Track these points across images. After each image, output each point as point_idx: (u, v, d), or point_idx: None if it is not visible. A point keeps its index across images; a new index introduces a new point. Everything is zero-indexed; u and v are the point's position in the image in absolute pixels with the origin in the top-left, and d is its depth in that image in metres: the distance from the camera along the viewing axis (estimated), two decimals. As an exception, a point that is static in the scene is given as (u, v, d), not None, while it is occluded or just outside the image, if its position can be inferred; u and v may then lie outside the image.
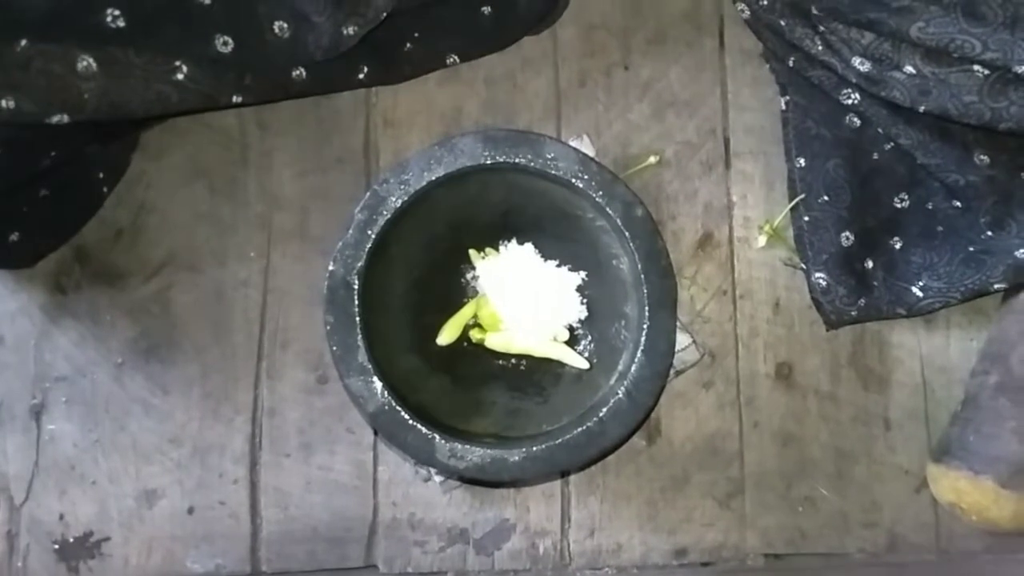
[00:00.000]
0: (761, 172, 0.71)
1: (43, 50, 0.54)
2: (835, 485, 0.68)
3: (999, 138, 0.63)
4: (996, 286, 0.64)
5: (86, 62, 0.56)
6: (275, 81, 0.65)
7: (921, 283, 0.66)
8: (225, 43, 0.60)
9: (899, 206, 0.68)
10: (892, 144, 0.67)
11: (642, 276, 0.55)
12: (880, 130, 0.67)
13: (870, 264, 0.67)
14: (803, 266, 0.68)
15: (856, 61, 0.62)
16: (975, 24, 0.56)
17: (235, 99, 0.64)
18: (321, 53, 0.63)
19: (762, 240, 0.70)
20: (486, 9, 0.69)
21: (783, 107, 0.70)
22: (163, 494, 0.68)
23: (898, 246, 0.68)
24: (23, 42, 0.53)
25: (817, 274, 0.67)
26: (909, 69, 0.60)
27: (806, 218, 0.68)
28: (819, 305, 0.68)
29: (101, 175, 0.70)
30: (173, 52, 0.59)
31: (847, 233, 0.67)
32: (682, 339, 0.65)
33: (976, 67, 0.58)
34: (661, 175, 0.71)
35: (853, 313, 0.67)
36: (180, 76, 0.60)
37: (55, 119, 0.55)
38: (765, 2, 0.66)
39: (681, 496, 0.68)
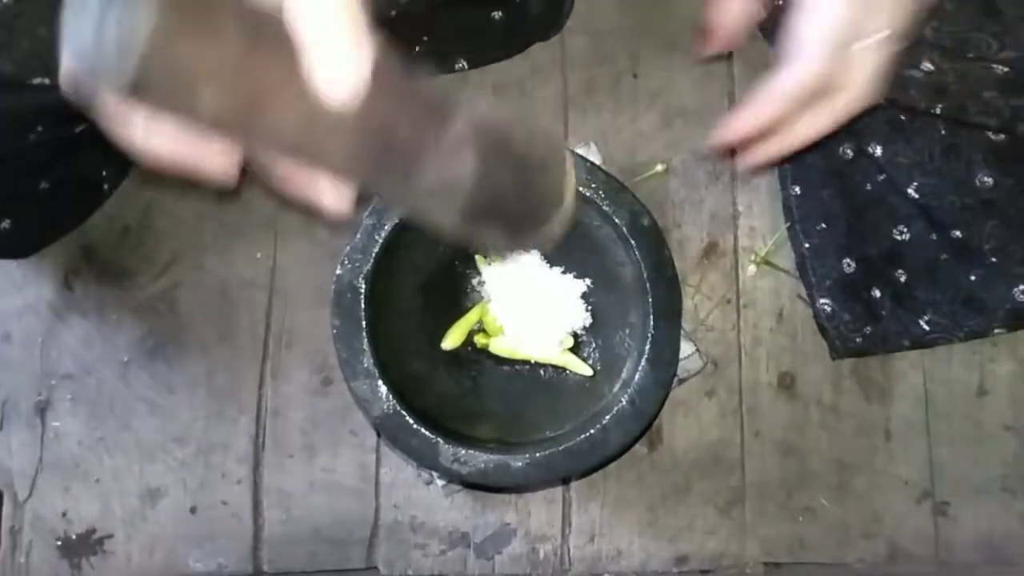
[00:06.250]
0: (767, 182, 0.71)
1: (29, 9, 0.51)
2: (835, 495, 0.68)
3: (1010, 159, 0.62)
4: (996, 330, 0.65)
5: None
6: None
7: (927, 317, 0.66)
8: None
9: (899, 238, 0.66)
10: (884, 176, 0.66)
11: (647, 285, 0.56)
12: (877, 152, 0.66)
13: (877, 293, 0.67)
14: (806, 297, 0.68)
15: None
16: (992, 22, 0.53)
17: None
18: None
19: (752, 269, 0.70)
20: (496, 14, 0.69)
21: None
22: (166, 493, 0.68)
23: (903, 279, 0.67)
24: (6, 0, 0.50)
25: (822, 300, 0.67)
26: (927, 66, 0.57)
27: (807, 245, 0.67)
28: (824, 331, 0.68)
29: (104, 172, 0.70)
30: None
31: (848, 260, 0.66)
32: (685, 347, 0.65)
33: (995, 65, 0.57)
34: (668, 183, 0.71)
35: (858, 340, 0.66)
36: None
37: (36, 81, 0.53)
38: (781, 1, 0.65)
39: (682, 504, 0.68)
